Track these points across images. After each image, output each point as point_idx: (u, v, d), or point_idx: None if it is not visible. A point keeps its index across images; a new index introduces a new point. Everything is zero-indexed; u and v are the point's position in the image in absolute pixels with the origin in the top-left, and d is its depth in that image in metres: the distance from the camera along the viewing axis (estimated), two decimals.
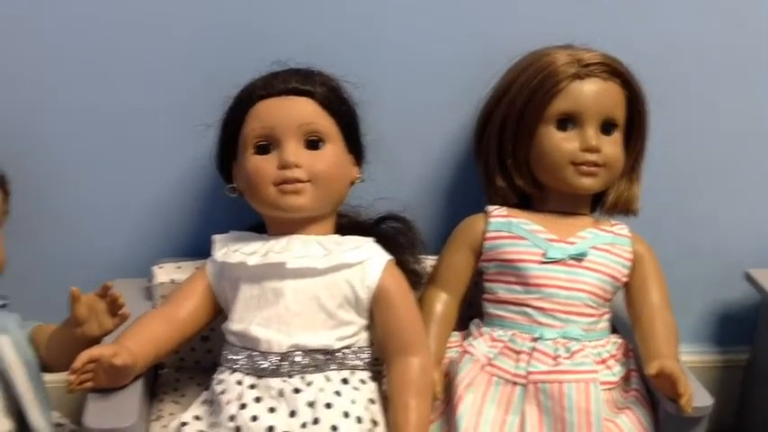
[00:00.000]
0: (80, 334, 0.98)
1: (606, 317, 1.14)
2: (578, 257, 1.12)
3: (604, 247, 1.14)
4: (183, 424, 1.02)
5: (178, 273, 1.17)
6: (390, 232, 1.14)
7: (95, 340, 0.99)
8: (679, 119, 1.29)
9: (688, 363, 1.14)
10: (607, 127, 1.13)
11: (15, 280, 1.06)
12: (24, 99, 1.17)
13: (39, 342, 1.03)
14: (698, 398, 1.04)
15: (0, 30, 1.13)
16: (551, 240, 1.13)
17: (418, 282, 1.15)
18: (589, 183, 1.13)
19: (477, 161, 1.21)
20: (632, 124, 1.16)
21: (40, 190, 1.18)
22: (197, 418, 1.03)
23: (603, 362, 1.10)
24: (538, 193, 1.17)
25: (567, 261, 1.12)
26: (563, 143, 1.12)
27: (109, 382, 0.98)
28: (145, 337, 1.02)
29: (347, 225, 1.13)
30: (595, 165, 1.12)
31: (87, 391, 0.97)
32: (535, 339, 1.09)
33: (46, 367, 1.04)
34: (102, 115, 1.19)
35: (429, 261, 1.18)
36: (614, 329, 1.17)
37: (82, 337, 0.98)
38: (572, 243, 1.13)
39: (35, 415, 1.00)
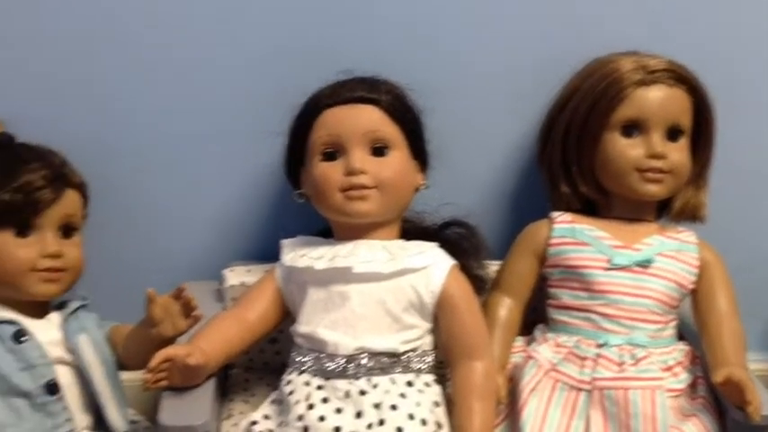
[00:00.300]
0: (155, 334, 1.01)
1: (673, 324, 1.13)
2: (644, 264, 1.11)
3: (670, 253, 1.13)
4: (253, 423, 1.04)
5: (248, 276, 1.19)
6: (454, 237, 1.15)
7: (170, 340, 1.02)
8: (747, 124, 1.27)
9: (756, 371, 1.12)
10: (673, 133, 1.13)
11: (94, 282, 1.09)
12: (102, 108, 1.20)
13: (115, 341, 1.06)
14: (766, 406, 1.03)
15: (81, 41, 1.18)
16: (616, 247, 1.12)
17: (482, 287, 1.15)
18: (655, 189, 1.13)
19: (540, 167, 1.21)
20: (699, 131, 1.15)
21: (117, 196, 1.21)
22: (266, 417, 1.05)
23: (669, 369, 1.09)
24: (602, 200, 1.17)
25: (632, 268, 1.11)
26: (628, 150, 1.12)
27: (182, 381, 1.00)
28: (217, 338, 1.05)
29: (411, 230, 1.13)
30: (661, 171, 1.12)
31: (162, 389, 1.00)
32: (600, 346, 1.09)
33: (122, 366, 1.06)
34: (175, 123, 1.22)
35: (493, 266, 1.19)
36: (681, 337, 1.15)
37: (157, 337, 1.01)
38: (638, 250, 1.12)
39: (112, 411, 1.03)
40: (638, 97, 1.11)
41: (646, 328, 1.10)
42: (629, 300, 1.10)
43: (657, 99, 1.11)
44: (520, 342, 1.16)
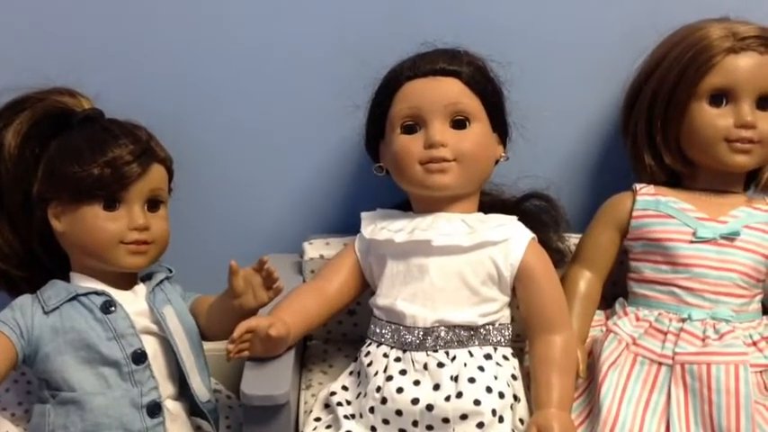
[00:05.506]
0: (237, 305, 1.03)
1: (758, 298, 1.11)
2: (730, 237, 1.09)
3: (758, 226, 1.10)
4: (332, 393, 1.06)
5: (327, 249, 1.20)
6: (534, 210, 1.14)
7: (251, 312, 1.03)
8: None
9: None
10: (763, 102, 1.10)
11: (178, 255, 1.12)
12: (185, 84, 1.22)
13: (199, 312, 1.08)
14: None
15: (164, 18, 1.20)
16: (701, 219, 1.10)
17: (562, 260, 1.15)
18: (743, 160, 1.10)
19: (624, 138, 1.19)
20: None
21: (200, 170, 1.23)
22: (344, 388, 1.07)
23: (755, 344, 1.07)
24: (688, 171, 1.15)
25: (717, 240, 1.09)
26: (716, 119, 1.10)
27: (264, 351, 1.02)
28: (297, 309, 1.06)
29: (490, 203, 1.13)
30: (750, 141, 1.09)
31: (244, 359, 1.02)
32: (683, 320, 1.07)
33: (205, 336, 1.09)
34: (256, 99, 1.24)
35: (573, 239, 1.18)
36: (766, 311, 1.13)
37: (239, 309, 1.03)
38: (723, 222, 1.10)
39: (196, 380, 1.05)
40: (727, 65, 1.09)
41: (730, 302, 1.08)
42: (714, 273, 1.08)
43: (747, 67, 1.08)
44: (599, 316, 1.16)
